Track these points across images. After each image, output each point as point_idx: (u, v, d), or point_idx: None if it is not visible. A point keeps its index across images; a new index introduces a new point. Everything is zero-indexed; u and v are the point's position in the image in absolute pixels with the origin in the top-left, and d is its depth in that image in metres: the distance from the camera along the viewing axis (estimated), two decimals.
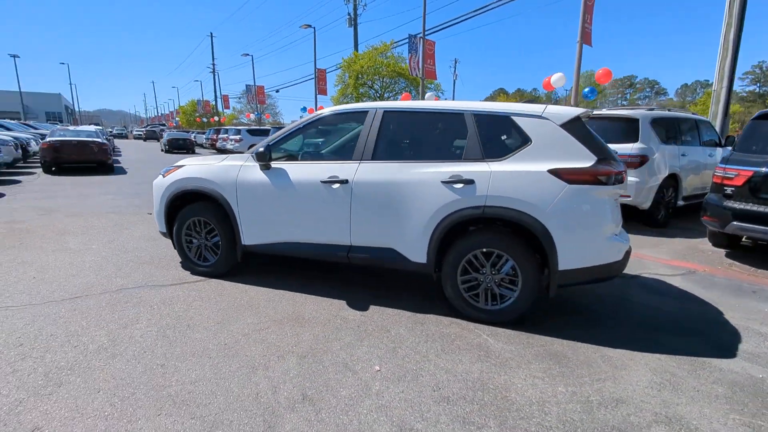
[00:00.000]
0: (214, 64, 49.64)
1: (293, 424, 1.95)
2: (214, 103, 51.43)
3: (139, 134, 47.62)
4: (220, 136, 25.37)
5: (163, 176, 3.94)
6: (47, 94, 68.45)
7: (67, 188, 9.28)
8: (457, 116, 3.11)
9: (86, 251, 4.54)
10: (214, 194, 3.63)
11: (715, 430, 1.97)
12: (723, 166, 4.48)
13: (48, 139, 12.17)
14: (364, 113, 3.39)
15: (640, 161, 5.61)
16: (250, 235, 3.61)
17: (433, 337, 2.81)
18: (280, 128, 8.92)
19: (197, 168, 3.78)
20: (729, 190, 4.39)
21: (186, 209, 3.83)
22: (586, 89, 12.70)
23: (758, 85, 59.04)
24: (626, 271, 4.26)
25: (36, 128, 21.12)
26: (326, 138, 3.81)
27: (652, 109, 6.18)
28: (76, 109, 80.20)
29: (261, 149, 3.40)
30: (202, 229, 3.83)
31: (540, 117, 2.90)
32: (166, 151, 24.70)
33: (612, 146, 5.76)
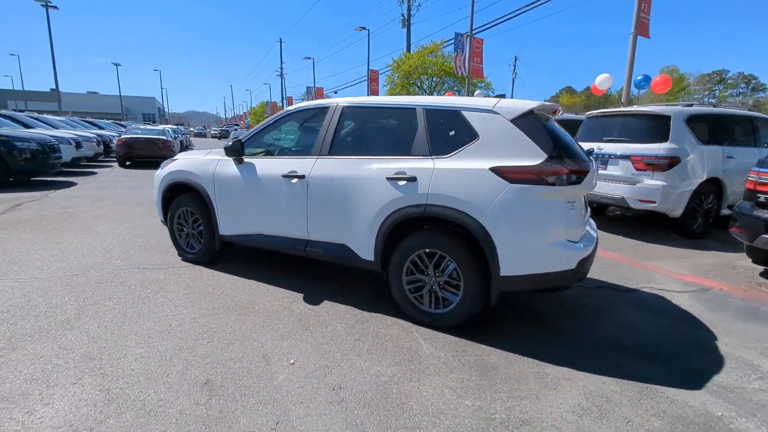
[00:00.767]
0: (282, 68, 52.48)
1: (182, 407, 2.03)
2: (280, 104, 54.34)
3: (215, 133, 52.04)
4: None
5: (161, 168, 4.27)
6: (143, 97, 77.51)
7: (130, 180, 10.39)
8: (410, 111, 2.99)
9: (108, 235, 5.06)
10: (197, 186, 3.87)
11: None
12: (757, 169, 3.79)
13: (122, 136, 13.73)
14: (326, 109, 3.40)
15: (668, 163, 4.93)
16: (225, 226, 3.79)
17: (367, 337, 2.75)
18: None
19: (186, 161, 4.04)
20: (763, 198, 3.71)
21: (177, 200, 4.12)
22: (639, 77, 11.40)
23: None
24: (625, 284, 3.84)
25: (125, 127, 23.92)
26: (304, 134, 3.87)
27: (690, 105, 5.43)
28: (167, 110, 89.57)
29: (230, 144, 3.56)
30: (189, 219, 4.09)
31: (490, 111, 2.70)
32: None
33: (634, 146, 5.25)
